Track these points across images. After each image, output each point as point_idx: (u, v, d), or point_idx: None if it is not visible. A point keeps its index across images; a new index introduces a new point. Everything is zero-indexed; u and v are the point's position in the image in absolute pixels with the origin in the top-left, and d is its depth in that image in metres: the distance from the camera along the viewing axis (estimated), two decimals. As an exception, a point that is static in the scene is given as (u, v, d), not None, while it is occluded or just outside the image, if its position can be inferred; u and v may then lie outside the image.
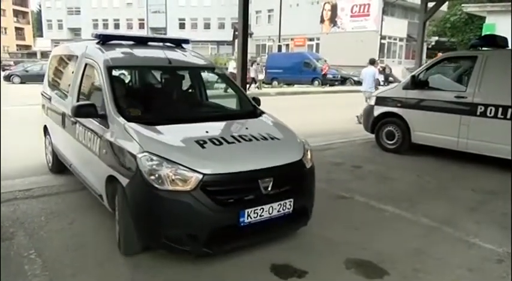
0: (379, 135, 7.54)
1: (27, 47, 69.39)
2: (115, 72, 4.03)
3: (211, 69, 4.87)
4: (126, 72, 4.59)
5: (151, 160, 2.99)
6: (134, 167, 3.03)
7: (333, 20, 38.11)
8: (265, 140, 3.47)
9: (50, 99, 5.32)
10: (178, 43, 4.80)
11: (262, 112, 4.18)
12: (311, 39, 40.08)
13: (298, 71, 24.06)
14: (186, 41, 4.84)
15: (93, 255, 3.29)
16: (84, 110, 3.65)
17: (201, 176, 2.92)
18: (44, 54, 53.55)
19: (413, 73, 7.31)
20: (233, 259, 3.25)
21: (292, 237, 3.69)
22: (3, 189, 4.69)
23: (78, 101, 4.24)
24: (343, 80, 28.36)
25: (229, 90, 4.74)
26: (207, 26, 54.76)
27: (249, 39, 6.64)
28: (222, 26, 54.08)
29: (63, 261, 3.19)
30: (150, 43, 4.66)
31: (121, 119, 3.42)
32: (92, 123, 3.73)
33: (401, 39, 37.83)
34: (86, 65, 4.28)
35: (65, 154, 4.79)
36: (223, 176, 3.01)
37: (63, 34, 61.58)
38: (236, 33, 42.24)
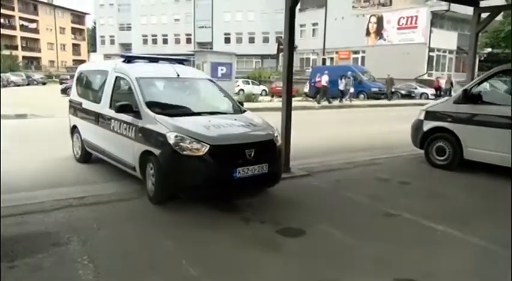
0: (429, 151, 7.28)
1: (83, 61, 73.19)
2: (142, 82, 5.51)
3: (207, 79, 6.64)
4: (149, 82, 5.70)
5: (176, 136, 4.61)
6: (164, 141, 4.65)
7: (378, 33, 37.50)
8: (248, 126, 5.26)
9: (80, 104, 6.92)
10: (180, 61, 6.57)
11: (245, 110, 5.88)
12: (356, 52, 39.58)
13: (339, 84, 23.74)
14: (186, 60, 6.77)
15: (142, 264, 3.38)
16: (124, 108, 5.27)
17: (208, 146, 4.53)
18: (97, 69, 56.26)
19: (465, 87, 7.03)
20: None
21: (340, 255, 3.62)
22: (59, 196, 4.96)
23: (111, 103, 5.87)
24: (391, 94, 27.67)
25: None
26: (251, 40, 55.54)
27: (293, 53, 6.65)
28: (266, 40, 54.66)
29: (114, 268, 3.30)
30: (160, 61, 6.46)
31: (150, 113, 5.04)
32: (126, 117, 5.33)
33: (450, 52, 36.56)
34: (116, 77, 5.96)
35: (97, 143, 6.35)
36: (222, 146, 4.64)
37: (115, 49, 64.49)
38: (280, 47, 42.40)
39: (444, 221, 4.44)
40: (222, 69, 19.30)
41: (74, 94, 7.42)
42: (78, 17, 79.41)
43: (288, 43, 6.33)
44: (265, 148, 4.94)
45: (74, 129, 7.25)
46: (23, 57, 64.95)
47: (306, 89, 27.86)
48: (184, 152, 4.54)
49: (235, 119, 5.32)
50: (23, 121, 13.06)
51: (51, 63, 69.80)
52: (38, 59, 68.88)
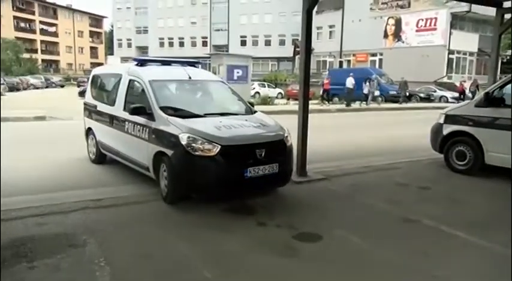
0: (449, 155, 7.16)
1: (100, 64, 74.16)
2: (154, 84, 5.64)
3: (219, 81, 6.79)
4: (161, 84, 5.83)
5: (188, 137, 4.74)
6: (176, 142, 4.79)
7: (397, 35, 37.14)
8: (258, 126, 5.36)
9: (95, 107, 7.10)
10: (192, 64, 6.74)
11: (256, 111, 6.01)
12: (373, 55, 39.27)
13: (361, 87, 23.55)
14: (198, 63, 6.95)
15: (158, 266, 3.41)
16: (137, 110, 5.41)
17: (219, 147, 4.65)
18: (114, 71, 57.12)
19: (487, 90, 6.90)
20: None
21: (358, 261, 3.59)
22: (76, 198, 5.04)
23: (125, 106, 6.02)
24: (409, 97, 27.32)
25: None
26: (267, 43, 55.62)
27: (311, 56, 6.62)
28: (282, 42, 54.66)
29: (130, 270, 3.34)
30: (172, 64, 6.59)
31: (163, 114, 5.18)
32: (140, 119, 5.47)
33: (471, 54, 35.96)
34: (130, 80, 6.11)
35: (111, 145, 6.50)
36: (233, 147, 4.75)
37: (132, 52, 65.31)
38: (297, 49, 42.43)
39: (464, 228, 4.35)
40: (238, 72, 19.34)
41: (88, 97, 7.61)
42: (96, 20, 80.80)
43: (305, 46, 6.32)
44: (275, 148, 5.05)
45: (88, 131, 7.43)
46: (42, 60, 66.38)
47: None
48: (196, 153, 4.68)
49: (246, 120, 5.46)
50: (41, 123, 13.31)
51: (69, 66, 71.22)
52: (56, 62, 70.35)
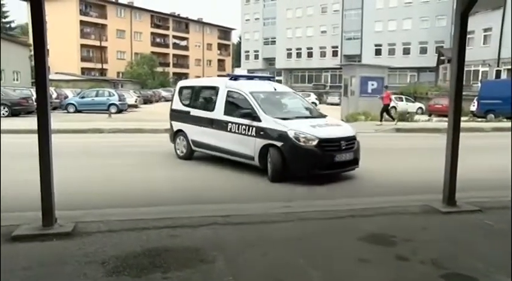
0: None
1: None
2: (254, 95, 8.38)
3: (293, 92, 10.09)
4: (258, 95, 8.49)
5: (294, 133, 7.41)
6: (286, 137, 7.40)
7: None
8: (338, 125, 8.50)
9: (188, 112, 9.66)
10: (269, 78, 10.02)
11: (326, 115, 8.97)
12: (543, 63, 34.88)
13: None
14: (273, 77, 10.74)
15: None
16: (246, 114, 8.09)
17: (318, 139, 7.34)
18: (240, 84, 60.66)
19: None
20: None
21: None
22: (206, 212, 5.44)
23: (224, 112, 8.62)
24: None
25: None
26: (406, 51, 53.56)
27: (464, 65, 6.14)
28: (423, 50, 52.13)
29: (259, 293, 3.45)
30: (255, 78, 9.93)
31: (269, 117, 7.82)
32: (243, 121, 8.09)
33: None
34: (228, 91, 8.77)
35: (209, 142, 8.96)
36: (326, 139, 7.46)
37: (259, 64, 68.70)
38: (441, 58, 39.88)
39: None
40: (372, 84, 18.98)
41: (178, 105, 10.23)
42: (225, 32, 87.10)
43: (458, 54, 5.89)
44: (352, 141, 7.97)
45: (176, 133, 10.00)
46: (173, 73, 73.76)
47: (473, 107, 25.52)
48: (301, 144, 7.40)
49: (327, 123, 8.34)
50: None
51: (197, 79, 77.73)
52: (186, 74, 77.48)
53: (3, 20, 70.97)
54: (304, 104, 9.33)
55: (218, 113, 8.71)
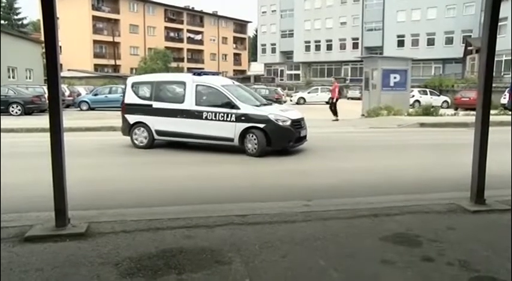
0: None
1: (242, 71, 79.88)
2: (226, 87, 10.70)
3: (242, 85, 13.02)
4: (227, 87, 10.77)
5: (274, 116, 10.22)
6: (268, 119, 10.08)
7: None
8: (292, 110, 11.77)
9: (150, 105, 11.07)
10: (217, 74, 12.82)
11: (272, 103, 13.34)
12: None
13: None
14: (219, 73, 15.49)
15: (306, 295, 3.44)
16: (225, 104, 10.17)
17: (290, 120, 10.33)
18: (257, 79, 60.70)
19: None
20: None
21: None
22: (222, 212, 5.45)
23: (196, 103, 10.50)
24: None
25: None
26: (430, 42, 52.80)
27: (495, 55, 5.99)
28: (449, 41, 51.32)
29: (277, 296, 3.43)
30: (209, 74, 11.75)
31: (246, 105, 10.27)
32: (222, 110, 10.17)
33: None
34: (196, 85, 10.68)
35: (177, 130, 10.68)
36: (295, 120, 10.54)
37: (276, 58, 68.54)
38: (469, 48, 39.18)
39: None
40: (395, 77, 18.75)
41: (134, 99, 11.40)
42: (241, 26, 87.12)
43: (488, 43, 5.71)
44: (303, 121, 10.96)
45: (133, 125, 11.18)
46: (188, 68, 74.07)
47: (504, 100, 25.04)
48: (280, 124, 10.07)
49: (284, 108, 12.08)
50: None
51: (212, 74, 77.98)
52: (201, 70, 77.86)
53: (15, 17, 72.34)
54: (254, 93, 12.53)
55: (189, 104, 10.51)
